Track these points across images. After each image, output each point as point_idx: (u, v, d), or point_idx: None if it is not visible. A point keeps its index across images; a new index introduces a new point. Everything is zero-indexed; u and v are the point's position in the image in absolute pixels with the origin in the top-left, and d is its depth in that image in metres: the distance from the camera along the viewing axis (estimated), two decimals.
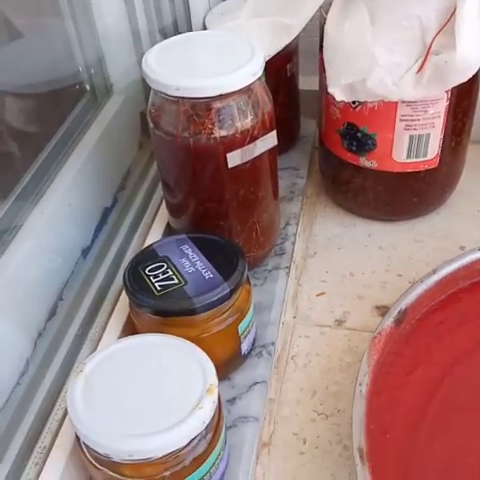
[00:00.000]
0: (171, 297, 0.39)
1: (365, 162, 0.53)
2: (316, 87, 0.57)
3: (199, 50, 0.43)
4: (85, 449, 0.34)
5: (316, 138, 0.66)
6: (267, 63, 0.50)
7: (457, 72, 0.44)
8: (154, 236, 0.50)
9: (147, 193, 0.55)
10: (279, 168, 0.61)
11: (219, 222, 0.46)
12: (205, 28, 0.57)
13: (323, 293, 0.53)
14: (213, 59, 0.42)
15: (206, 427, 0.33)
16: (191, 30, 0.58)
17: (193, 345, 0.36)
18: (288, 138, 0.64)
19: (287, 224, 0.56)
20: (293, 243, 0.54)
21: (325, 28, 0.47)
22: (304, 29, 0.49)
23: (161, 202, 0.54)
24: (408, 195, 0.55)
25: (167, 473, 0.33)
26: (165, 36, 0.58)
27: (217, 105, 0.41)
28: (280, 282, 0.50)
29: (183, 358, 0.35)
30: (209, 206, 0.45)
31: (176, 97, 0.40)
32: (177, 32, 0.59)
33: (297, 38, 0.58)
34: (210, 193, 0.45)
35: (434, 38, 0.44)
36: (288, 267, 0.52)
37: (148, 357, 0.36)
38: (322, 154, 0.59)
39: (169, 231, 0.51)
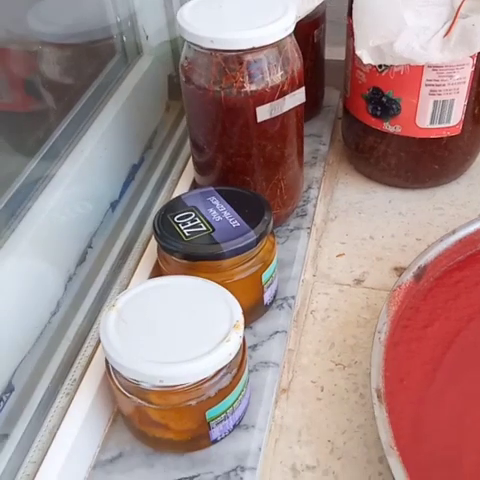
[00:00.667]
0: (199, 242, 0.40)
1: (389, 127, 0.54)
2: (341, 57, 0.58)
3: (233, 6, 0.44)
4: (115, 377, 0.35)
5: (339, 108, 0.67)
6: (295, 28, 0.51)
7: None
8: (180, 191, 0.51)
9: (173, 152, 0.56)
10: None
11: (245, 177, 0.47)
12: None
13: (343, 254, 0.54)
14: (246, 14, 0.43)
15: (231, 360, 0.34)
16: None
17: (220, 286, 0.38)
18: (312, 105, 0.64)
19: (309, 188, 0.57)
20: (315, 206, 0.55)
21: None
22: None
23: (187, 161, 0.55)
24: (430, 162, 0.56)
25: (193, 402, 0.34)
26: None
27: (248, 58, 0.42)
28: (301, 241, 0.51)
29: (211, 297, 0.37)
30: (236, 161, 0.46)
31: (209, 49, 0.41)
32: None
33: (325, 6, 0.59)
34: (238, 148, 0.46)
35: (463, 1, 0.45)
36: (309, 228, 0.53)
37: (178, 295, 0.37)
38: (346, 121, 0.60)
39: (196, 188, 0.52)
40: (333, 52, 0.66)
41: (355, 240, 0.55)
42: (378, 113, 0.54)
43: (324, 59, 0.64)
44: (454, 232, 0.47)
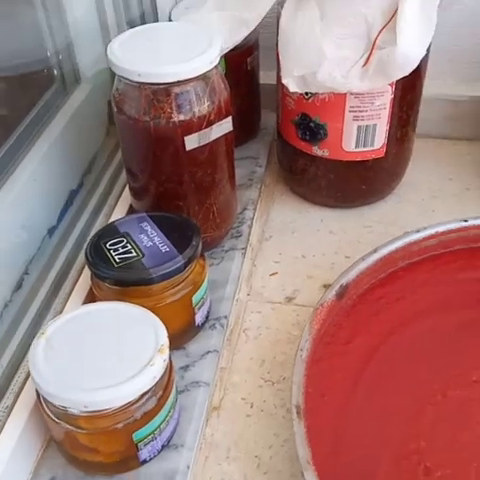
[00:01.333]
0: (129, 268, 0.42)
1: (317, 151, 0.57)
2: (275, 81, 0.61)
3: (161, 39, 0.46)
4: (44, 404, 0.36)
5: (275, 130, 0.70)
6: (228, 56, 0.54)
7: (398, 67, 0.48)
8: (118, 216, 0.53)
9: (112, 177, 0.58)
10: (239, 157, 0.65)
11: (178, 203, 0.49)
12: (171, 21, 0.60)
13: (276, 273, 0.56)
14: (174, 48, 0.45)
15: (156, 383, 0.36)
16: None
17: (147, 311, 0.39)
18: (248, 129, 0.67)
19: (245, 209, 0.59)
20: (250, 226, 0.57)
21: (279, 22, 0.50)
22: (264, 25, 0.53)
23: (125, 186, 0.57)
24: (357, 183, 0.59)
25: (120, 425, 0.36)
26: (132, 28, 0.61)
27: (176, 91, 0.44)
28: (236, 262, 0.54)
29: (138, 322, 0.38)
30: (168, 187, 0.48)
31: (138, 82, 0.43)
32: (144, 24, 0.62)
33: (257, 34, 0.62)
34: (169, 175, 0.48)
35: (378, 34, 0.48)
36: (244, 248, 0.55)
37: (106, 321, 0.38)
38: (279, 144, 0.63)
39: (131, 213, 0.54)
40: (269, 76, 0.68)
41: (288, 259, 0.57)
42: (307, 138, 0.57)
43: (259, 84, 0.66)
44: (376, 251, 0.50)
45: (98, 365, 0.36)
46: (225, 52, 0.51)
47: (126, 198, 0.55)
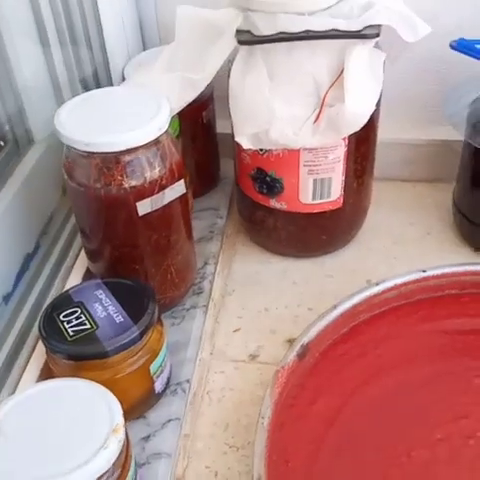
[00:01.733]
0: (83, 342, 0.41)
1: (275, 204, 0.57)
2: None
3: (109, 106, 0.46)
4: None
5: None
6: (183, 112, 0.54)
7: (348, 123, 0.49)
8: (74, 280, 0.52)
9: (69, 238, 0.57)
10: (200, 209, 0.65)
11: (134, 266, 0.49)
12: (124, 79, 0.60)
13: (239, 329, 0.55)
14: (122, 114, 0.45)
15: (113, 465, 0.35)
16: (111, 80, 0.61)
17: (102, 387, 0.38)
18: (208, 181, 0.67)
19: (206, 263, 0.58)
20: (211, 282, 0.57)
21: (229, 81, 0.50)
22: (218, 76, 0.53)
23: (82, 247, 0.56)
24: (317, 233, 0.59)
25: None
26: (86, 86, 0.61)
27: (126, 158, 0.43)
28: (197, 321, 0.53)
29: (92, 400, 0.37)
30: (123, 251, 0.48)
31: (86, 152, 0.43)
32: (97, 82, 0.62)
33: (211, 88, 0.62)
34: (123, 239, 0.47)
35: (327, 92, 0.49)
36: (205, 306, 0.54)
37: (58, 402, 0.37)
38: (238, 195, 0.63)
39: (89, 275, 0.53)
40: (227, 125, 0.68)
41: (251, 313, 0.57)
42: (264, 191, 0.57)
43: (216, 135, 0.66)
44: (335, 307, 0.50)
45: (50, 450, 0.34)
46: (175, 113, 0.51)
47: (83, 259, 0.54)
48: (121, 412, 0.37)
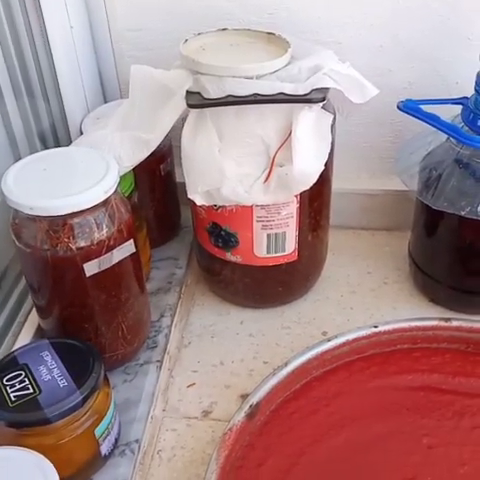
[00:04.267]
0: (24, 408, 0.40)
1: (231, 257, 0.57)
2: None
3: (57, 167, 0.46)
4: None
5: None
6: (140, 166, 0.54)
7: (297, 182, 0.49)
8: (25, 337, 0.52)
9: (21, 293, 0.56)
10: (159, 259, 0.65)
11: (84, 325, 0.48)
12: (81, 133, 0.61)
13: (193, 384, 0.55)
14: (69, 177, 0.45)
15: None
16: (69, 133, 0.62)
17: (38, 456, 0.38)
18: (168, 230, 0.67)
19: (162, 316, 0.58)
20: (167, 336, 0.57)
21: (181, 141, 0.51)
22: (177, 127, 0.53)
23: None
24: (273, 285, 0.60)
25: None
26: (43, 139, 0.61)
27: (72, 221, 0.43)
28: (150, 377, 0.52)
29: (28, 471, 0.37)
30: (72, 311, 0.48)
31: (31, 215, 0.43)
32: (55, 136, 0.62)
33: (169, 140, 0.62)
34: (71, 299, 0.47)
35: (276, 153, 0.49)
36: (159, 361, 0.54)
37: None
38: (196, 246, 0.63)
39: (41, 332, 0.52)
40: None
41: (206, 367, 0.57)
42: (220, 244, 0.57)
43: (176, 185, 0.66)
44: (287, 364, 0.50)
45: None
46: (128, 171, 0.52)
47: (35, 315, 0.54)
48: None
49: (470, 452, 0.45)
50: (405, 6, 0.60)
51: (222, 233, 0.56)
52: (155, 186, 0.63)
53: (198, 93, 0.49)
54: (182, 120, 0.52)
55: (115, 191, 0.45)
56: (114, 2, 0.63)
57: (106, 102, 0.68)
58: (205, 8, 0.62)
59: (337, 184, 0.62)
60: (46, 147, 0.62)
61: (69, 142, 0.61)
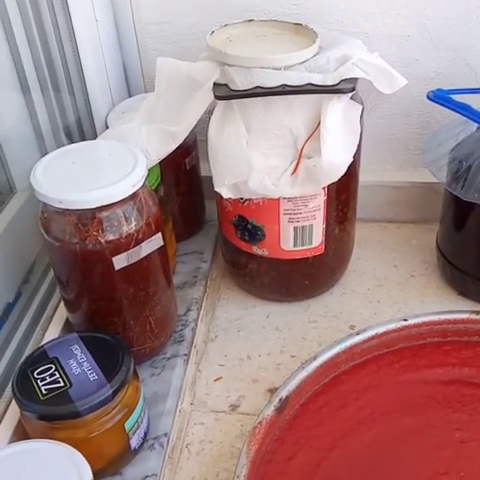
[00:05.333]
0: (55, 401, 0.40)
1: (257, 250, 0.57)
2: None
3: (85, 161, 0.46)
4: None
5: None
6: (165, 159, 0.54)
7: (325, 174, 0.49)
8: (53, 331, 0.52)
9: (50, 287, 0.57)
10: (184, 253, 0.65)
11: (112, 318, 0.48)
12: (107, 127, 0.60)
13: (220, 378, 0.55)
14: (97, 171, 0.45)
15: None
16: (94, 127, 0.62)
17: (71, 449, 0.38)
18: (193, 224, 0.67)
19: (188, 310, 0.58)
20: (193, 329, 0.57)
21: (208, 134, 0.51)
22: (203, 120, 0.53)
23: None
24: (300, 279, 0.59)
25: None
26: (69, 134, 0.61)
27: (101, 214, 0.43)
28: (177, 370, 0.52)
29: (61, 463, 0.37)
30: (100, 304, 0.48)
31: (60, 208, 0.43)
32: (81, 130, 0.62)
33: (194, 134, 0.62)
34: (100, 293, 0.47)
35: (304, 144, 0.49)
36: (186, 354, 0.54)
37: (25, 467, 0.37)
38: (222, 240, 0.63)
39: (69, 325, 0.52)
40: None
41: (233, 361, 0.56)
42: (246, 238, 0.57)
43: (201, 179, 0.66)
44: (315, 358, 0.49)
45: None
46: (155, 164, 0.52)
47: (64, 309, 0.54)
48: (90, 475, 0.36)
49: None
50: None
51: (248, 226, 0.56)
52: (180, 180, 0.63)
53: (225, 85, 0.48)
54: (208, 113, 0.52)
55: (143, 184, 0.45)
56: None
57: (130, 96, 0.68)
58: (229, 0, 0.62)
59: (363, 177, 0.62)
60: (72, 141, 0.62)
61: (95, 136, 0.61)
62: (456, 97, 0.53)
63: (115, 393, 0.41)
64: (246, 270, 0.60)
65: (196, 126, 0.53)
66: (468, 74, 0.63)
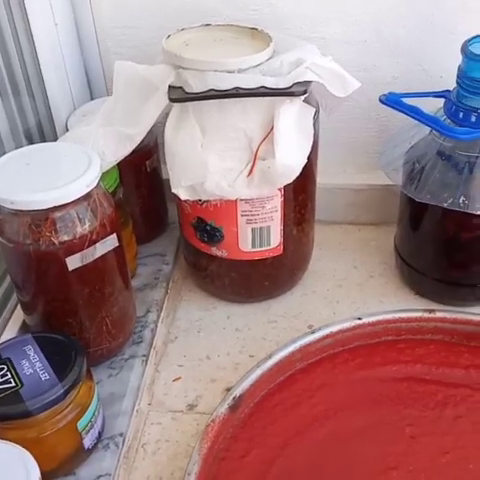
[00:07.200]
0: (6, 401, 0.41)
1: (216, 251, 0.58)
2: None
3: (40, 163, 0.46)
4: None
5: None
6: (126, 161, 0.55)
7: (280, 176, 0.50)
8: (10, 333, 0.52)
9: (7, 289, 0.56)
10: (146, 255, 0.65)
11: (67, 319, 0.48)
12: (67, 130, 0.61)
13: (179, 378, 0.55)
14: (51, 172, 0.45)
15: None
16: (55, 131, 0.62)
17: (22, 450, 0.38)
18: (155, 226, 0.67)
19: (148, 311, 0.58)
20: (152, 330, 0.57)
21: (164, 136, 0.51)
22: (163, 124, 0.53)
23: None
24: (260, 279, 0.60)
25: None
26: (30, 137, 0.61)
27: (54, 215, 0.44)
28: (135, 371, 0.53)
29: (10, 464, 0.37)
30: (56, 305, 0.48)
31: (13, 210, 0.43)
32: (42, 133, 0.62)
33: (155, 136, 0.63)
34: (55, 294, 0.47)
35: (258, 147, 0.50)
36: (145, 355, 0.54)
37: None
38: (183, 242, 0.63)
39: (26, 328, 0.52)
40: None
41: (192, 362, 0.57)
42: (205, 239, 0.57)
43: (163, 181, 0.67)
44: (270, 357, 0.50)
45: None
46: (112, 166, 0.52)
47: (20, 312, 0.54)
48: (38, 475, 0.36)
49: (452, 441, 0.45)
50: (388, 2, 0.61)
51: (207, 228, 0.56)
52: (141, 182, 0.63)
53: (180, 88, 0.49)
54: (166, 116, 0.53)
55: (97, 185, 0.46)
56: None
57: (93, 99, 0.68)
58: (190, 5, 0.63)
59: (323, 179, 0.63)
60: (32, 144, 0.62)
61: (55, 139, 0.61)
62: (410, 101, 0.54)
63: (67, 392, 0.42)
64: (206, 271, 0.61)
65: (156, 128, 0.54)
66: (424, 79, 0.64)
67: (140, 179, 0.63)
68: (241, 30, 0.54)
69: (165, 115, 0.53)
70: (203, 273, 0.62)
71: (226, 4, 0.62)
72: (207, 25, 0.55)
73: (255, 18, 0.62)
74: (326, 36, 0.63)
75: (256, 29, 0.54)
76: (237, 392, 0.47)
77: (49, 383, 0.41)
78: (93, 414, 0.45)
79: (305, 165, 0.51)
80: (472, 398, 0.48)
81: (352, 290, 0.64)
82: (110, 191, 0.55)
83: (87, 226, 0.45)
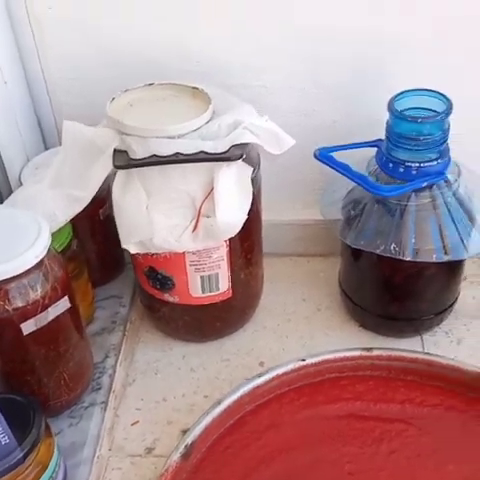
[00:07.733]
0: None
1: (169, 297, 0.60)
2: None
3: None
4: None
5: None
6: (78, 213, 0.57)
7: (222, 232, 0.53)
8: None
9: None
10: (103, 297, 0.68)
11: (26, 378, 0.51)
12: (21, 183, 0.63)
13: (137, 422, 0.58)
14: (1, 242, 0.47)
15: None
16: (9, 183, 0.64)
17: None
18: (111, 269, 0.70)
19: (106, 357, 0.61)
20: (111, 376, 0.59)
21: (112, 195, 0.54)
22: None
23: None
24: (211, 321, 0.63)
25: None
26: None
27: (7, 286, 0.46)
28: (95, 419, 0.55)
29: None
30: (13, 366, 0.50)
31: None
32: None
33: (107, 185, 0.65)
34: (11, 356, 0.50)
35: (201, 205, 0.53)
36: (104, 402, 0.57)
37: None
38: (138, 287, 0.66)
39: None
40: None
41: (149, 404, 0.60)
42: (157, 286, 0.60)
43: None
44: (220, 402, 0.53)
45: None
46: (61, 225, 0.54)
47: None
48: None
49: (386, 476, 0.49)
50: (324, 55, 0.63)
51: (159, 276, 0.59)
52: (95, 230, 0.65)
53: (125, 152, 0.52)
54: (114, 174, 0.55)
55: (48, 252, 0.48)
56: (47, 52, 0.65)
57: (47, 148, 0.70)
58: (136, 57, 0.65)
59: (272, 215, 0.66)
60: None
61: (9, 192, 0.63)
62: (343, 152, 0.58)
63: (26, 455, 0.44)
64: (160, 314, 0.64)
65: (109, 177, 0.56)
66: (363, 123, 0.67)
67: (94, 227, 0.65)
68: (182, 89, 0.57)
69: (113, 173, 0.55)
70: (157, 315, 0.65)
71: (171, 56, 0.65)
72: (150, 84, 0.58)
73: (199, 70, 0.64)
74: (268, 84, 0.66)
75: (197, 88, 0.56)
76: (188, 440, 0.50)
77: (8, 447, 0.44)
78: (53, 470, 0.47)
79: (248, 217, 0.54)
80: (406, 432, 0.52)
81: (300, 323, 0.67)
82: (64, 246, 0.58)
83: (39, 292, 0.48)
